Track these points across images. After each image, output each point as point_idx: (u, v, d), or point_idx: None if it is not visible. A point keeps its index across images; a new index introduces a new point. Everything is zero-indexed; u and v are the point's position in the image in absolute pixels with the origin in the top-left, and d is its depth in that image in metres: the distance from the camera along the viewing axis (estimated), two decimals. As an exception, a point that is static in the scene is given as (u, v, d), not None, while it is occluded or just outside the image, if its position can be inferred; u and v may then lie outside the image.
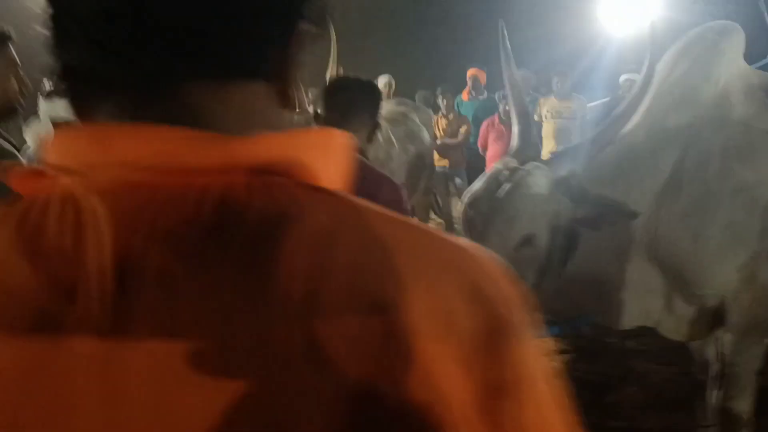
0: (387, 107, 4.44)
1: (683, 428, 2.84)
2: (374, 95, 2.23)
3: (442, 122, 6.59)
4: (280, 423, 0.38)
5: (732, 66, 2.38)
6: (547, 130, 5.98)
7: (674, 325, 2.37)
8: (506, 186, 2.01)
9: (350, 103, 2.09)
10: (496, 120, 6.14)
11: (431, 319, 0.40)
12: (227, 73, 0.44)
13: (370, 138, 2.19)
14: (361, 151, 2.07)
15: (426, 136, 5.39)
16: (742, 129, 2.30)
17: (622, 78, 6.54)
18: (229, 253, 0.40)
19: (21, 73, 1.83)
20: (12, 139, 1.88)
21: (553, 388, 0.47)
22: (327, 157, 0.48)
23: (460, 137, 6.44)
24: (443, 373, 0.40)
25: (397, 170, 4.46)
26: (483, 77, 7.03)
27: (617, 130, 2.22)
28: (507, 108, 6.18)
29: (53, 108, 2.59)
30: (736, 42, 2.41)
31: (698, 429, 2.63)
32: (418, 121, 5.35)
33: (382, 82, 7.92)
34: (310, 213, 0.42)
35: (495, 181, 2.05)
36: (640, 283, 2.26)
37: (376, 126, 2.18)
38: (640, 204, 2.16)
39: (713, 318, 2.33)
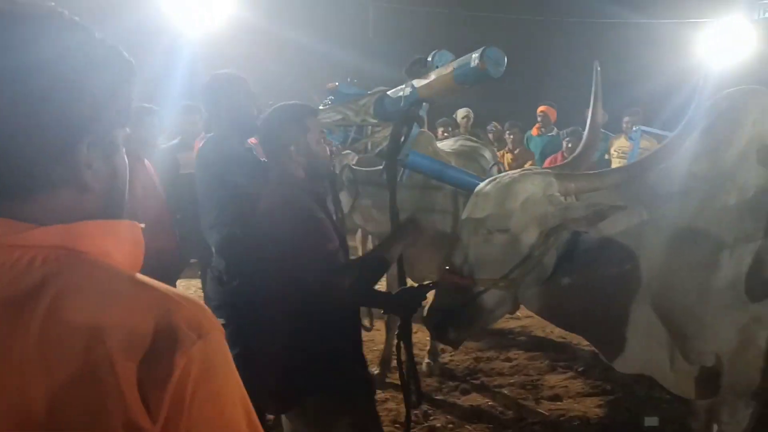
0: (460, 142, 4.55)
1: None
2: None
3: (508, 157, 6.60)
4: None
5: (757, 127, 2.33)
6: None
7: (674, 381, 2.32)
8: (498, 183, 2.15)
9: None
10: (559, 157, 6.07)
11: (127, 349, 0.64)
12: (25, 188, 0.70)
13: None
14: None
15: (495, 172, 5.46)
16: (756, 191, 2.23)
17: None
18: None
19: None
20: None
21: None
22: (105, 239, 0.73)
23: (524, 172, 6.41)
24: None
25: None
26: (553, 114, 6.98)
27: (646, 167, 2.24)
28: (570, 145, 6.11)
29: None
30: (764, 104, 2.35)
31: None
32: (488, 157, 5.44)
33: (461, 114, 8.08)
34: (67, 275, 0.67)
35: (494, 180, 2.20)
36: (645, 329, 2.22)
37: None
38: (655, 249, 2.16)
39: (714, 380, 2.25)
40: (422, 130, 2.63)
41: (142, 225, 0.77)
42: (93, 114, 0.71)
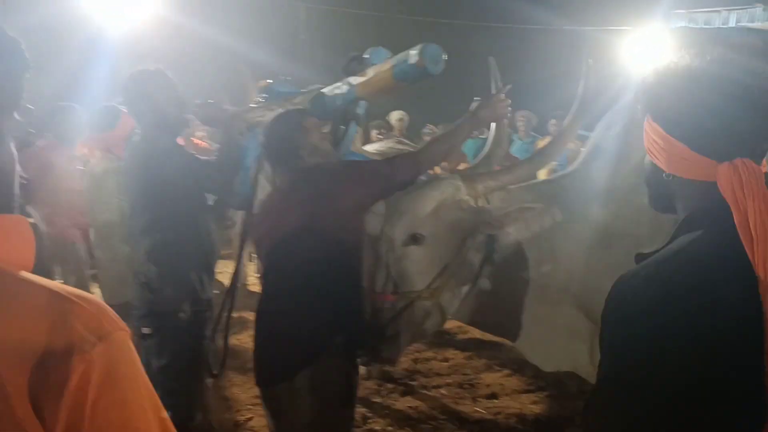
0: (389, 145, 4.50)
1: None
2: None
3: (443, 159, 6.65)
4: None
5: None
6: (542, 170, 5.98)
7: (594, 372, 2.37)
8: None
9: None
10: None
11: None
12: None
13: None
14: None
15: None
16: None
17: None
18: None
19: None
20: None
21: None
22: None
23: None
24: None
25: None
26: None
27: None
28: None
29: None
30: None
31: None
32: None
33: (395, 116, 8.08)
34: None
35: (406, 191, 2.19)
36: (566, 328, 2.27)
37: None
38: (575, 253, 2.19)
39: None
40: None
41: (31, 219, 0.71)
42: None
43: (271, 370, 2.06)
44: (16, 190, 0.72)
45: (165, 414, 0.70)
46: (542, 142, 6.26)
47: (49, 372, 0.59)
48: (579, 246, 2.22)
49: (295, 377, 1.97)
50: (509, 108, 2.22)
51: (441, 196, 2.10)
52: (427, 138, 7.48)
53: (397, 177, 2.05)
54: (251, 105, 2.64)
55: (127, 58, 6.09)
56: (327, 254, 1.96)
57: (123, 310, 2.63)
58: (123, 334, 0.67)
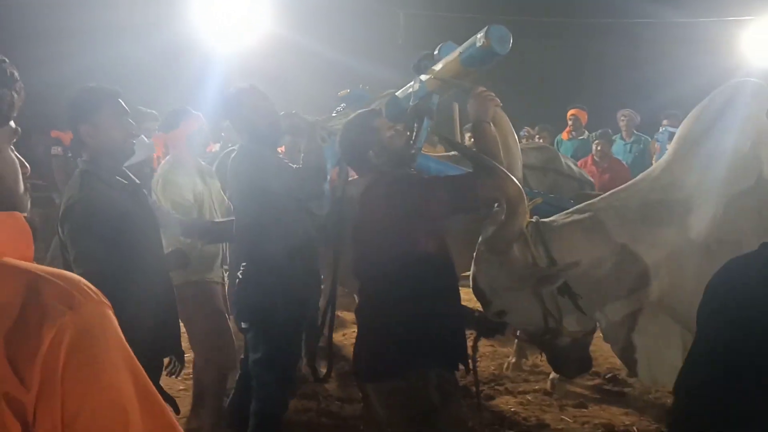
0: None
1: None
2: None
3: (539, 161, 6.55)
4: None
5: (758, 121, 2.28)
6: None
7: None
8: None
9: None
10: (589, 160, 5.99)
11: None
12: None
13: None
14: None
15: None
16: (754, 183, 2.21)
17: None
18: None
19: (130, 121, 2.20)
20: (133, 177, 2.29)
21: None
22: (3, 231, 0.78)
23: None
24: None
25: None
26: (584, 117, 6.89)
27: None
28: (599, 148, 6.02)
29: None
30: (761, 99, 2.30)
31: None
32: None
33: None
34: None
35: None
36: (665, 341, 2.25)
37: None
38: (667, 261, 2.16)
39: None
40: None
41: (25, 214, 0.83)
42: None
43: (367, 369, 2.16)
44: (20, 190, 0.85)
45: (143, 374, 0.78)
46: (653, 145, 5.99)
47: (24, 339, 0.70)
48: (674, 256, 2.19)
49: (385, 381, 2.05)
50: (496, 101, 2.13)
51: None
52: (523, 140, 7.39)
53: (459, 194, 2.05)
54: (332, 114, 2.80)
55: (239, 76, 6.58)
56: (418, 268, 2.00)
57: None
58: (98, 306, 0.76)
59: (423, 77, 2.31)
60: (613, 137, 6.53)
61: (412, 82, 2.40)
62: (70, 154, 2.28)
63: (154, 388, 0.79)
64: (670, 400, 3.44)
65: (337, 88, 3.32)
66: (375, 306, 2.12)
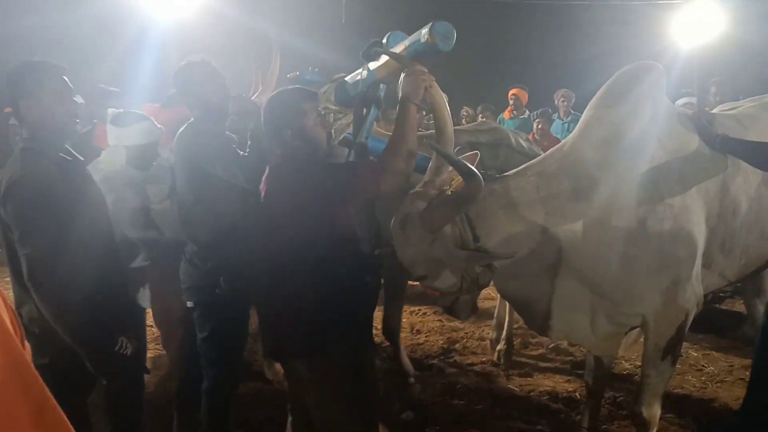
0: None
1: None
2: None
3: (481, 140, 6.64)
4: None
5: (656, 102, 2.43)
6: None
7: (595, 343, 2.57)
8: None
9: None
10: (531, 139, 6.12)
11: None
12: None
13: None
14: None
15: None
16: (669, 158, 2.35)
17: (680, 101, 6.21)
18: None
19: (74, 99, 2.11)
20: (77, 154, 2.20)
21: None
22: None
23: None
24: None
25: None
26: (524, 96, 7.03)
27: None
28: (540, 126, 6.16)
29: (124, 134, 2.97)
30: (658, 79, 2.47)
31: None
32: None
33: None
34: None
35: None
36: (568, 301, 2.40)
37: None
38: (573, 229, 2.27)
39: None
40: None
41: None
42: None
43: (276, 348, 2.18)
44: None
45: (18, 354, 0.78)
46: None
47: None
48: (579, 224, 2.33)
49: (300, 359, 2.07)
50: (430, 78, 2.08)
51: None
52: (464, 120, 7.47)
53: (358, 184, 2.03)
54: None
55: (174, 48, 6.33)
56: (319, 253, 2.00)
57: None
58: None
59: (371, 65, 2.29)
60: (553, 116, 6.69)
61: (360, 69, 2.37)
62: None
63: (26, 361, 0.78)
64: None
65: (282, 69, 3.26)
66: (281, 287, 2.10)
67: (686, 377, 3.77)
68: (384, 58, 2.20)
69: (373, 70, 2.28)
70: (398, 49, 2.13)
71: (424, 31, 1.99)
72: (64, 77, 2.09)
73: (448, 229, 2.09)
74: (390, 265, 2.40)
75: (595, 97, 2.49)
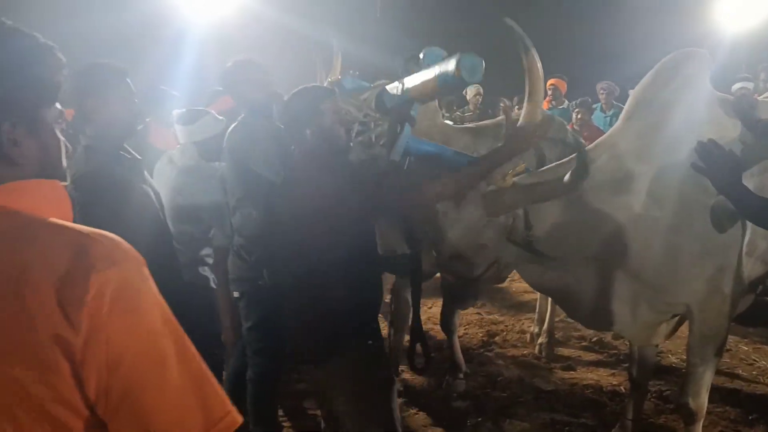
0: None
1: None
2: None
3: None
4: None
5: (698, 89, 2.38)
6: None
7: (636, 332, 2.54)
8: None
9: None
10: (570, 129, 6.02)
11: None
12: None
13: None
14: None
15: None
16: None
17: (735, 87, 5.99)
18: None
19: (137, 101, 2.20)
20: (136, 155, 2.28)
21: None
22: (27, 195, 0.87)
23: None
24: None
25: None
26: (563, 87, 6.91)
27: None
28: (579, 116, 6.06)
29: (192, 132, 3.07)
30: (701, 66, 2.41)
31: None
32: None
33: (471, 92, 8.05)
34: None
35: None
36: (610, 290, 2.38)
37: None
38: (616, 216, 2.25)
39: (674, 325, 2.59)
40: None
41: (65, 183, 0.94)
42: (11, 98, 0.86)
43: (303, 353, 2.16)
44: (63, 164, 0.96)
45: (178, 327, 0.86)
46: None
47: (73, 288, 0.79)
48: (628, 214, 2.32)
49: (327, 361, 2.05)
50: (540, 138, 2.09)
51: None
52: (502, 113, 7.39)
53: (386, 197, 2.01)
54: None
55: (214, 48, 6.45)
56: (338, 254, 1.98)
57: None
58: (134, 262, 0.86)
59: (407, 82, 2.29)
60: (593, 106, 6.56)
61: (397, 83, 2.37)
62: (71, 131, 2.19)
63: (185, 334, 0.88)
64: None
65: (313, 62, 3.29)
66: (302, 290, 2.09)
67: (736, 371, 3.67)
68: (419, 78, 2.18)
69: (408, 88, 2.27)
70: (431, 74, 2.11)
71: (452, 61, 1.97)
72: (128, 79, 2.16)
73: (502, 217, 2.08)
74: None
75: (637, 87, 2.47)
